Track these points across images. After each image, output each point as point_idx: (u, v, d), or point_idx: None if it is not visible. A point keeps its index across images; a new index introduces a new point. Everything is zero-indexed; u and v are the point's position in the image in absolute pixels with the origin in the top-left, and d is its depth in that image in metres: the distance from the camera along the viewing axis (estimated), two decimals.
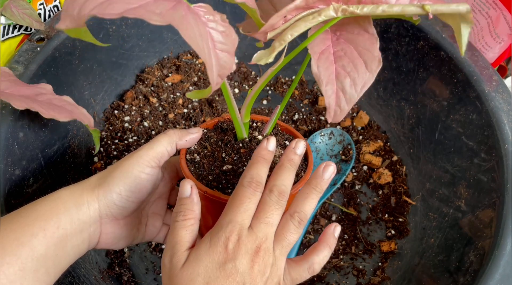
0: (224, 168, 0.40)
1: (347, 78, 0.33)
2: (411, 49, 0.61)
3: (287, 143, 0.44)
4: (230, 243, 0.32)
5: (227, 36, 0.29)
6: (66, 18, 0.25)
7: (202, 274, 0.32)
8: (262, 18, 0.37)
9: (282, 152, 0.42)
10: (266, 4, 0.38)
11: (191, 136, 0.41)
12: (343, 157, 0.66)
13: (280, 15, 0.32)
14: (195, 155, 0.42)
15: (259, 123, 0.45)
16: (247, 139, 0.42)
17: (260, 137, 0.42)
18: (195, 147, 0.42)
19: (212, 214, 0.41)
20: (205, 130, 0.44)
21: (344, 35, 0.34)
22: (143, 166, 0.38)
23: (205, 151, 0.42)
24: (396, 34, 0.61)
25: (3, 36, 0.56)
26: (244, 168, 0.40)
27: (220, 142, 0.43)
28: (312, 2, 0.32)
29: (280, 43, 0.32)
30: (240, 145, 0.42)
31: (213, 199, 0.38)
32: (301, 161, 0.42)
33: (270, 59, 0.33)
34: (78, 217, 0.36)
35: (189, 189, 0.36)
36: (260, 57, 0.34)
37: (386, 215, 0.61)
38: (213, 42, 0.29)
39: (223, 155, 0.41)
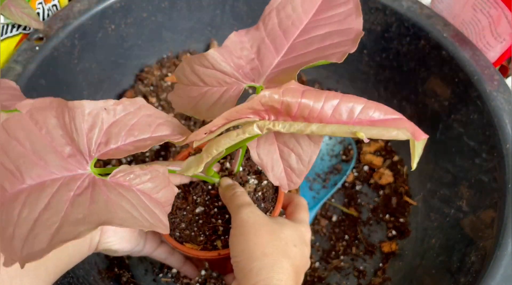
0: (197, 210, 0.41)
1: (291, 154, 0.32)
2: (412, 48, 0.60)
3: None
4: None
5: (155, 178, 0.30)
6: (8, 258, 0.24)
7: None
8: (186, 87, 0.37)
9: (255, 181, 0.42)
10: (190, 74, 0.37)
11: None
12: (343, 157, 0.65)
13: (199, 134, 0.30)
14: None
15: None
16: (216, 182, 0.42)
17: (229, 181, 0.41)
18: None
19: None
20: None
21: None
22: None
23: (178, 191, 0.43)
24: (397, 33, 0.61)
25: (1, 35, 0.55)
26: (216, 209, 0.41)
27: (190, 183, 0.43)
28: (234, 117, 0.29)
29: (207, 156, 0.31)
30: (210, 187, 0.42)
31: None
32: (271, 192, 0.42)
33: (199, 170, 0.32)
34: None
35: (230, 181, 0.41)
36: (189, 167, 0.32)
37: (387, 216, 0.61)
38: (147, 195, 0.29)
39: (194, 197, 0.42)
